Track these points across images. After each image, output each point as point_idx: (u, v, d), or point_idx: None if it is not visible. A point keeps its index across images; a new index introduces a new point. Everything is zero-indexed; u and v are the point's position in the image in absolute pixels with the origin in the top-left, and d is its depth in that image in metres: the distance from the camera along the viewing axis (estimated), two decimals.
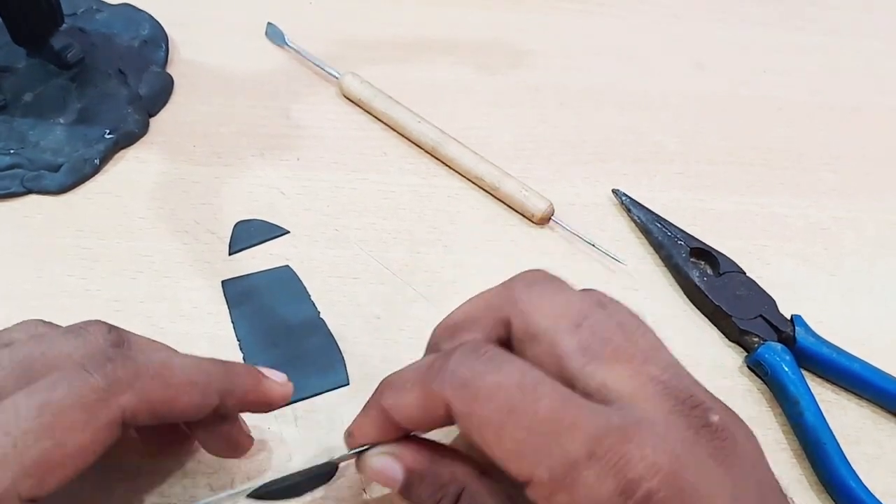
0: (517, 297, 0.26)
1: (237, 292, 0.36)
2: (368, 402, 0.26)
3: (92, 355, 0.25)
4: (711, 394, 0.24)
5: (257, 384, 0.28)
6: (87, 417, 0.23)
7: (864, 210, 0.45)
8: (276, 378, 0.29)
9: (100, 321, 0.27)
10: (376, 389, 0.26)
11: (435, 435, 0.27)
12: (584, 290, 0.26)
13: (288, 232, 0.39)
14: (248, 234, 0.39)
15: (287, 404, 0.33)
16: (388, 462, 0.26)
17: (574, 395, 0.23)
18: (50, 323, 0.27)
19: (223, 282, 0.37)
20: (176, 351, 0.28)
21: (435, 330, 0.29)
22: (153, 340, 0.28)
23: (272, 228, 0.39)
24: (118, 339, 0.26)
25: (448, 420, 0.24)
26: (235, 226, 0.39)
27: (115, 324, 0.28)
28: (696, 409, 0.23)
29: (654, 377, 0.23)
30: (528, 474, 0.22)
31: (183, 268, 0.37)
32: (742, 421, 0.24)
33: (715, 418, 0.23)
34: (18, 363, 0.24)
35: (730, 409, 0.24)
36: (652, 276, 0.40)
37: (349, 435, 0.27)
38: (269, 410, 0.29)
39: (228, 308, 0.36)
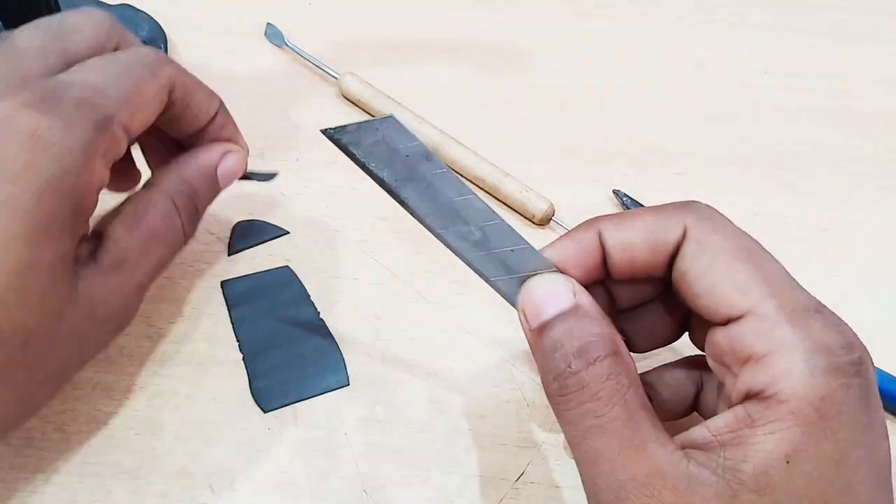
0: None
1: (237, 293, 0.36)
2: (578, 228, 0.27)
3: (116, 34, 0.30)
4: None
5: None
6: (153, 76, 0.29)
7: (864, 211, 0.45)
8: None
9: (92, 7, 0.31)
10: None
11: None
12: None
13: (287, 232, 0.39)
14: (248, 234, 0.39)
15: (287, 405, 0.33)
16: (564, 286, 0.25)
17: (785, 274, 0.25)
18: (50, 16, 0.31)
19: (223, 282, 0.37)
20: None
21: None
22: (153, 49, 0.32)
23: (272, 229, 0.39)
24: (110, 18, 0.30)
25: (659, 274, 0.26)
26: (235, 226, 0.39)
27: None
28: (850, 334, 0.24)
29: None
30: (748, 307, 0.23)
31: (182, 268, 0.37)
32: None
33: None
34: (48, 29, 0.29)
35: None
36: None
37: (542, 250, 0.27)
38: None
39: (228, 309, 0.36)
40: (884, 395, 0.35)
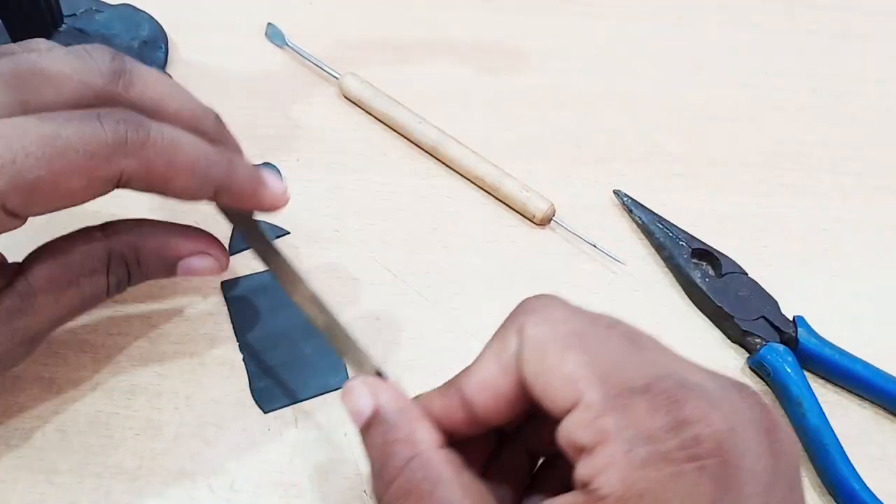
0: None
1: (237, 293, 0.36)
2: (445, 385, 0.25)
3: (98, 78, 0.25)
4: None
5: (255, 190, 0.29)
6: (88, 166, 0.24)
7: (864, 211, 0.45)
8: (274, 187, 0.29)
9: (101, 46, 0.26)
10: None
11: None
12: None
13: (288, 233, 0.39)
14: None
15: (287, 405, 0.33)
16: (363, 392, 0.25)
17: (637, 345, 0.23)
18: (53, 43, 0.27)
19: (223, 282, 0.37)
20: (182, 93, 0.28)
21: None
22: (154, 72, 0.27)
23: (272, 229, 0.39)
24: (119, 67, 0.26)
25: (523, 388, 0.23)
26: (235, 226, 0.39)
27: (115, 323, 0.29)
28: (750, 392, 0.22)
29: (704, 369, 0.23)
30: (576, 398, 0.21)
31: None
32: (790, 431, 0.23)
33: (767, 403, 0.22)
34: (17, 73, 0.24)
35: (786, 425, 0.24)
36: (653, 277, 0.40)
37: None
38: (262, 210, 0.30)
39: (228, 309, 0.36)
40: (887, 396, 0.36)
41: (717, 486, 0.19)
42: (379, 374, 0.26)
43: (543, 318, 0.23)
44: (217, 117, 0.29)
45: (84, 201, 0.25)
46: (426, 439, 0.23)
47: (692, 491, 0.19)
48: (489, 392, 0.23)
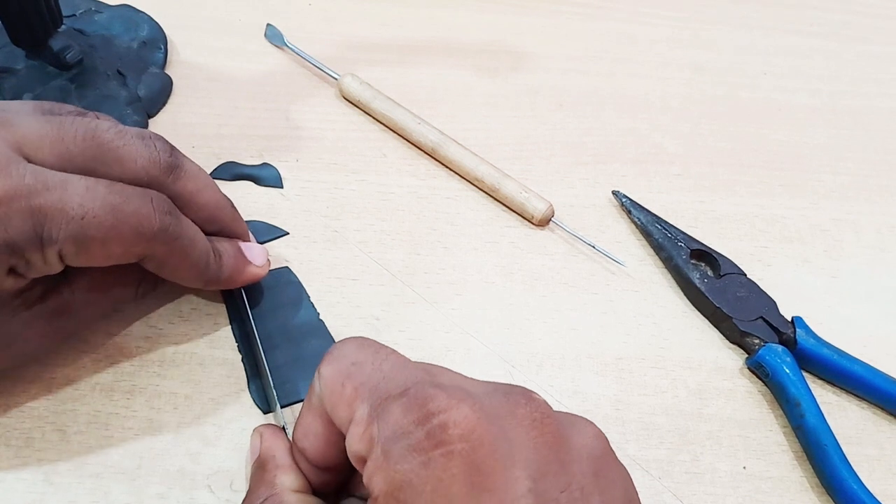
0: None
1: (237, 293, 0.36)
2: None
3: (157, 169, 0.30)
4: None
5: (237, 278, 0.34)
6: (132, 239, 0.28)
7: (863, 212, 0.45)
8: (257, 261, 0.34)
9: (162, 138, 0.31)
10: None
11: None
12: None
13: (287, 233, 0.39)
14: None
15: (288, 405, 0.33)
16: (256, 439, 0.29)
17: (417, 363, 0.24)
18: (116, 122, 0.31)
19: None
20: (213, 189, 0.33)
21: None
22: (196, 168, 0.32)
23: (271, 229, 0.39)
24: (175, 163, 0.31)
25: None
26: None
27: (115, 323, 0.31)
28: (518, 391, 0.24)
29: (482, 381, 0.25)
30: (350, 416, 0.23)
31: None
32: (593, 429, 0.24)
33: (539, 398, 0.23)
34: (93, 147, 0.28)
35: (580, 417, 0.25)
36: (652, 278, 0.40)
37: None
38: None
39: (227, 310, 0.36)
40: (885, 396, 0.36)
41: (470, 470, 0.20)
42: (284, 427, 0.30)
43: (333, 358, 0.25)
44: (233, 207, 0.34)
45: (110, 263, 0.29)
46: (284, 483, 0.26)
47: (443, 475, 0.20)
48: (310, 437, 0.26)
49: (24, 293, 0.28)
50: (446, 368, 0.25)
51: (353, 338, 0.26)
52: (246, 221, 0.39)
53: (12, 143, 0.27)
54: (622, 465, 0.24)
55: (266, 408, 0.33)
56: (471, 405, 0.21)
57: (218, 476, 0.31)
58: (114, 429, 0.32)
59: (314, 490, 0.27)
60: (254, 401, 0.33)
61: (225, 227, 0.33)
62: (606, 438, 0.24)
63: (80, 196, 0.27)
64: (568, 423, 0.24)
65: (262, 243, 0.38)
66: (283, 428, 0.30)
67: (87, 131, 0.28)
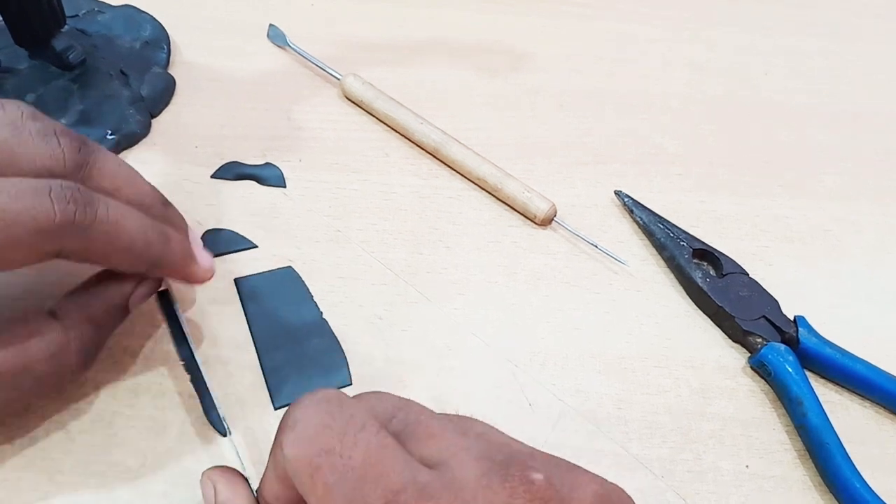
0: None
1: (242, 292, 0.36)
2: None
3: (61, 166, 0.26)
4: (545, 454, 0.23)
5: (185, 266, 0.31)
6: (31, 240, 0.25)
7: (865, 212, 0.45)
8: (203, 263, 0.32)
9: (71, 134, 0.28)
10: None
11: None
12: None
13: (256, 246, 0.39)
14: (215, 243, 0.38)
15: (290, 404, 0.33)
16: (206, 486, 0.27)
17: (395, 445, 0.22)
18: (36, 113, 0.28)
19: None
20: (137, 181, 0.30)
21: None
22: (115, 161, 0.29)
23: (240, 240, 0.38)
24: (83, 160, 0.27)
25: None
26: (205, 234, 0.38)
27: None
28: (516, 472, 0.22)
29: (467, 446, 0.23)
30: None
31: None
32: (593, 491, 0.22)
33: (538, 476, 0.22)
34: None
35: (570, 466, 0.23)
36: (654, 277, 0.40)
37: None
38: (187, 283, 0.33)
39: (170, 332, 0.34)
40: (888, 395, 0.36)
41: None
42: (239, 455, 0.30)
43: (296, 437, 0.22)
44: (164, 201, 0.31)
45: (19, 267, 0.26)
46: None
47: None
48: (281, 501, 0.24)
49: None
50: (428, 419, 0.23)
51: (316, 402, 0.23)
52: (215, 230, 0.38)
53: None
54: None
55: (223, 431, 0.32)
56: None
57: None
58: (118, 428, 0.32)
59: None
60: (212, 425, 0.32)
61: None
62: (608, 496, 0.23)
63: None
64: (567, 493, 0.22)
65: (228, 253, 0.37)
66: (241, 460, 0.29)
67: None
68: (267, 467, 0.24)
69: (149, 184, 0.30)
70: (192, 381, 0.32)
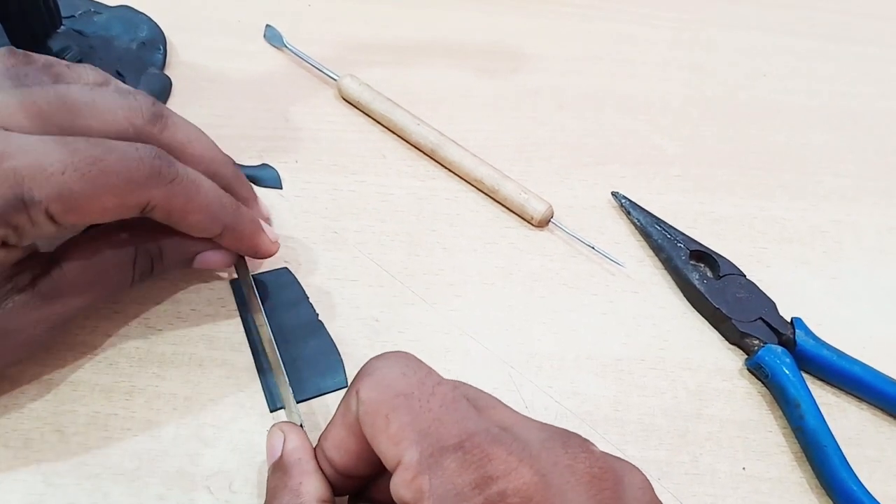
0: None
1: (248, 286, 0.36)
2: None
3: (140, 118, 0.29)
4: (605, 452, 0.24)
5: (254, 234, 0.33)
6: (124, 189, 0.27)
7: (863, 213, 0.45)
8: (270, 235, 0.34)
9: (144, 93, 0.30)
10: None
11: None
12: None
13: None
14: None
15: (283, 407, 0.33)
16: (278, 437, 0.28)
17: (468, 402, 0.24)
18: (102, 73, 0.31)
19: (231, 281, 0.37)
20: (206, 140, 0.32)
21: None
22: (185, 120, 0.32)
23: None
24: (159, 112, 0.30)
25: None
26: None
27: (113, 325, 0.30)
28: (576, 442, 0.23)
29: (527, 419, 0.24)
30: (398, 457, 0.22)
31: (182, 270, 0.37)
32: (641, 479, 0.24)
33: (596, 448, 0.23)
34: (72, 100, 0.28)
35: (627, 463, 0.24)
36: (652, 279, 0.40)
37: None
38: (255, 257, 0.35)
39: (237, 305, 0.36)
40: (885, 397, 0.36)
41: None
42: (301, 425, 0.30)
43: (376, 382, 0.24)
44: (234, 165, 0.34)
45: (111, 220, 0.28)
46: (310, 491, 0.26)
47: None
48: (342, 451, 0.26)
49: (14, 277, 0.28)
50: (495, 400, 0.25)
51: (395, 357, 0.25)
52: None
53: None
54: None
55: (273, 405, 0.33)
56: (530, 467, 0.21)
57: (217, 477, 0.31)
58: (113, 430, 0.32)
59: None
60: (270, 401, 0.33)
61: (227, 186, 0.32)
62: (651, 487, 0.24)
63: (58, 153, 0.26)
64: (620, 473, 0.23)
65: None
66: (301, 426, 0.30)
67: (59, 93, 0.28)
68: (333, 418, 0.26)
69: (220, 149, 0.33)
70: (254, 351, 0.34)
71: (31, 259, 0.28)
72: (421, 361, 0.25)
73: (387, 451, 0.23)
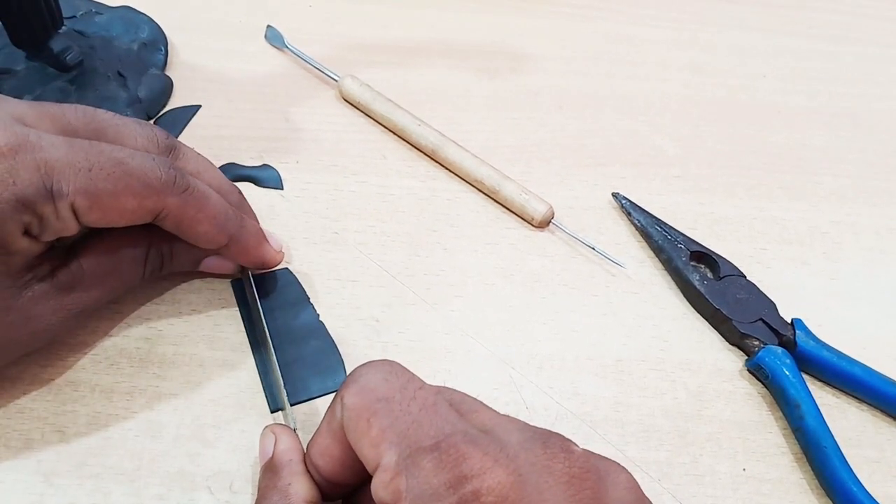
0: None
1: (239, 294, 0.36)
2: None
3: (155, 147, 0.31)
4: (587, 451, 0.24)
5: (259, 245, 0.35)
6: (143, 193, 0.29)
7: (863, 214, 0.45)
8: (274, 245, 0.36)
9: (159, 127, 0.33)
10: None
11: None
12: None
13: (200, 106, 0.42)
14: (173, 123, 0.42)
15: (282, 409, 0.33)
16: (270, 439, 0.29)
17: (449, 406, 0.24)
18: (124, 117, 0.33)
19: (232, 281, 0.37)
20: (215, 171, 0.34)
21: None
22: (197, 153, 0.34)
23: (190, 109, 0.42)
24: (172, 144, 0.33)
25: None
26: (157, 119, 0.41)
27: (114, 325, 0.32)
28: (555, 442, 0.23)
29: (509, 421, 0.25)
30: (378, 459, 0.23)
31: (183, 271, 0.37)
32: (626, 479, 0.24)
33: (577, 448, 0.23)
34: (94, 122, 0.30)
35: (612, 463, 0.24)
36: (652, 280, 0.40)
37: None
38: (260, 268, 0.36)
39: (238, 306, 0.36)
40: (885, 398, 0.36)
41: None
42: (294, 427, 0.30)
43: (360, 388, 0.25)
44: (240, 193, 0.36)
45: (127, 223, 0.29)
46: (299, 492, 0.26)
47: None
48: (327, 458, 0.26)
49: (35, 268, 0.29)
50: (479, 403, 0.25)
51: (379, 364, 0.25)
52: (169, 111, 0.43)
53: (13, 114, 0.28)
54: None
55: (274, 406, 0.33)
56: (505, 467, 0.21)
57: (217, 477, 0.31)
58: (113, 430, 0.32)
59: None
60: (266, 399, 0.33)
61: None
62: (638, 486, 0.24)
63: (86, 151, 0.28)
64: (604, 473, 0.23)
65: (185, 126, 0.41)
66: (294, 430, 0.30)
67: (87, 111, 0.30)
68: (320, 425, 0.27)
69: (225, 178, 0.35)
70: (255, 352, 0.35)
71: (51, 251, 0.29)
72: (405, 368, 0.25)
73: (368, 454, 0.23)
